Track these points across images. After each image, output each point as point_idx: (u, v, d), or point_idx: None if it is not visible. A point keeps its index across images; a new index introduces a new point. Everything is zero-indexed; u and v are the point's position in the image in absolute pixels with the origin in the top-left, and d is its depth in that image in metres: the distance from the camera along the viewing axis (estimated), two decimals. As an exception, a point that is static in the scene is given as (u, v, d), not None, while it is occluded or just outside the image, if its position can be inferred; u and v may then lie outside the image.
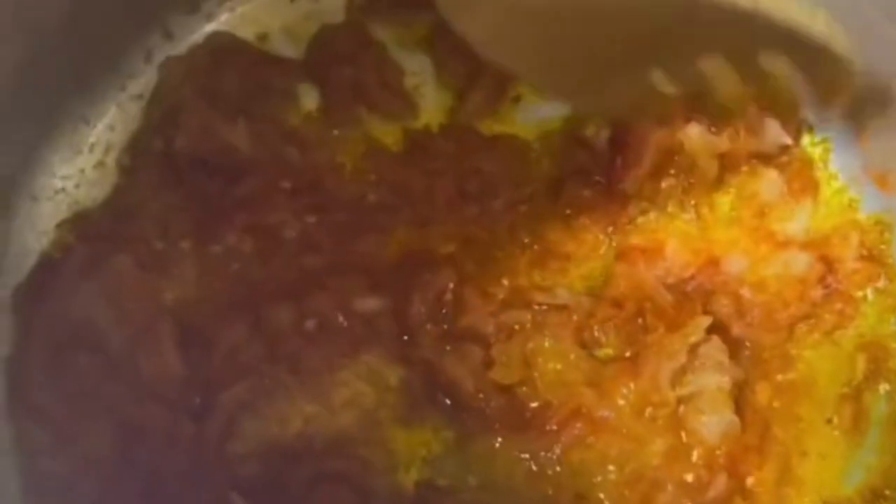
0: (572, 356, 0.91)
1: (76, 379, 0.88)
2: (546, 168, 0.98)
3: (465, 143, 0.97)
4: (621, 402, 0.89)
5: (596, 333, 0.92)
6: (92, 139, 0.96)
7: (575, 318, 0.92)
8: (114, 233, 0.93)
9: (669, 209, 0.97)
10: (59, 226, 0.93)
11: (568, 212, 0.96)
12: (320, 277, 0.93)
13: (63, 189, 0.95)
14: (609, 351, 0.93)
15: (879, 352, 0.94)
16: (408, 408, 0.91)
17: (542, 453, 0.90)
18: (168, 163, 0.95)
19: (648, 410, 0.89)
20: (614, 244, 0.97)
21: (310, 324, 0.91)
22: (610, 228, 0.97)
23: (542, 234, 0.95)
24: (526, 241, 0.95)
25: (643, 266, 0.94)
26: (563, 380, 0.91)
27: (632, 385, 0.89)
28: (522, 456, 0.90)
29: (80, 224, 0.94)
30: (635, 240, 0.96)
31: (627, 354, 0.92)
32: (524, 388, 0.91)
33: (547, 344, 0.91)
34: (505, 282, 0.94)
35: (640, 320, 0.92)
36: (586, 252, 0.96)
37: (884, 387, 0.93)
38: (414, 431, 0.91)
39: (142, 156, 0.95)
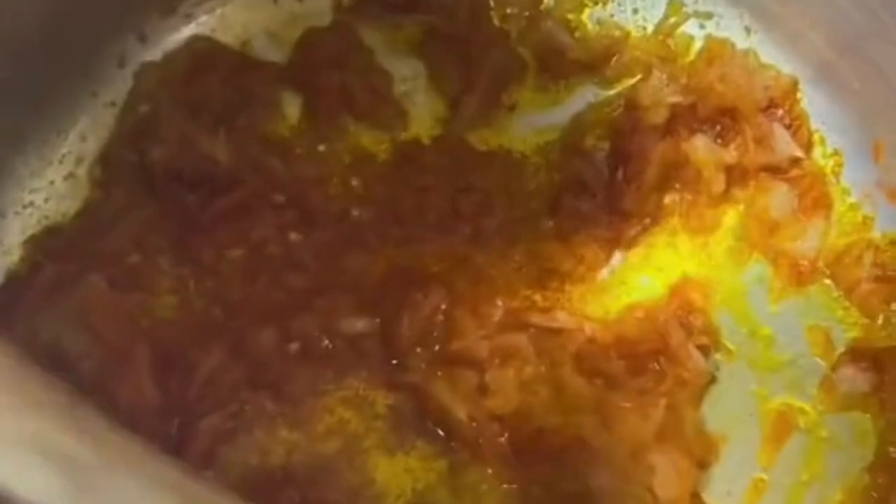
0: (572, 383, 0.86)
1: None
2: (543, 182, 0.93)
3: (457, 157, 0.92)
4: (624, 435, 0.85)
5: (598, 361, 0.87)
6: (63, 150, 0.90)
7: (575, 343, 0.87)
8: (85, 250, 0.87)
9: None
10: (26, 242, 0.88)
11: (566, 228, 0.91)
12: (305, 297, 0.88)
13: (32, 203, 0.89)
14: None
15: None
16: (396, 436, 0.86)
17: (533, 485, 0.86)
18: (143, 175, 0.89)
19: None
20: (615, 263, 0.92)
21: (293, 347, 0.87)
22: (610, 246, 0.92)
23: (539, 252, 0.90)
24: (521, 260, 0.90)
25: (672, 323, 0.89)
26: (561, 407, 0.86)
27: (637, 423, 0.85)
28: (512, 487, 0.86)
29: (49, 240, 0.88)
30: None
31: (634, 387, 0.87)
32: (518, 415, 0.86)
33: (544, 369, 0.86)
34: (500, 302, 0.89)
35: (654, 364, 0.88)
36: (585, 271, 0.91)
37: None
38: (402, 461, 0.86)
39: (115, 167, 0.90)
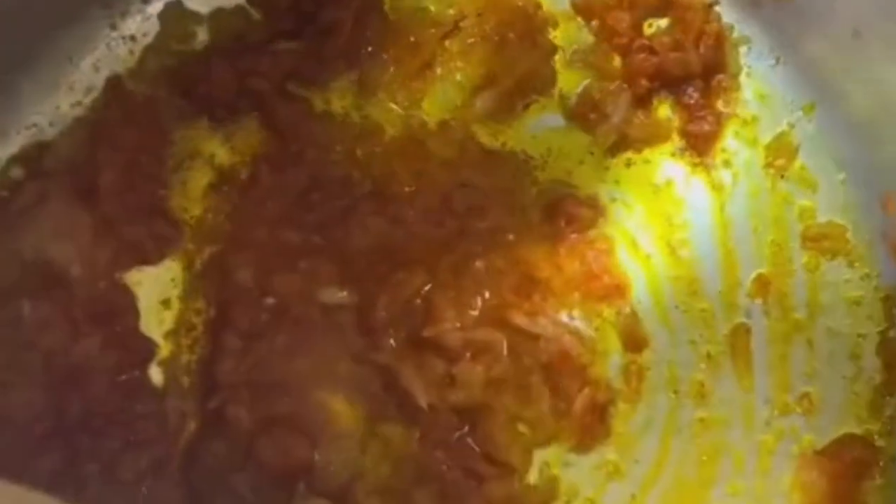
0: (540, 399, 0.85)
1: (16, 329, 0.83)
2: (544, 188, 0.92)
3: (462, 151, 0.91)
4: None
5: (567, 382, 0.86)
6: (73, 77, 0.90)
7: (548, 353, 0.86)
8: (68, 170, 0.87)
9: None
10: (12, 161, 0.88)
11: (561, 235, 0.90)
12: (292, 257, 0.87)
13: (35, 125, 0.89)
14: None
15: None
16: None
17: None
18: (146, 108, 0.90)
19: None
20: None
21: (269, 301, 0.86)
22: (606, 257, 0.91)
23: (526, 258, 0.88)
24: (503, 266, 0.88)
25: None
26: (523, 417, 0.85)
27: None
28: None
29: (33, 160, 0.88)
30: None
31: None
32: (481, 413, 0.85)
33: (514, 372, 0.85)
34: (483, 296, 0.87)
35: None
36: (576, 282, 0.89)
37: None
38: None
39: (121, 96, 0.90)
